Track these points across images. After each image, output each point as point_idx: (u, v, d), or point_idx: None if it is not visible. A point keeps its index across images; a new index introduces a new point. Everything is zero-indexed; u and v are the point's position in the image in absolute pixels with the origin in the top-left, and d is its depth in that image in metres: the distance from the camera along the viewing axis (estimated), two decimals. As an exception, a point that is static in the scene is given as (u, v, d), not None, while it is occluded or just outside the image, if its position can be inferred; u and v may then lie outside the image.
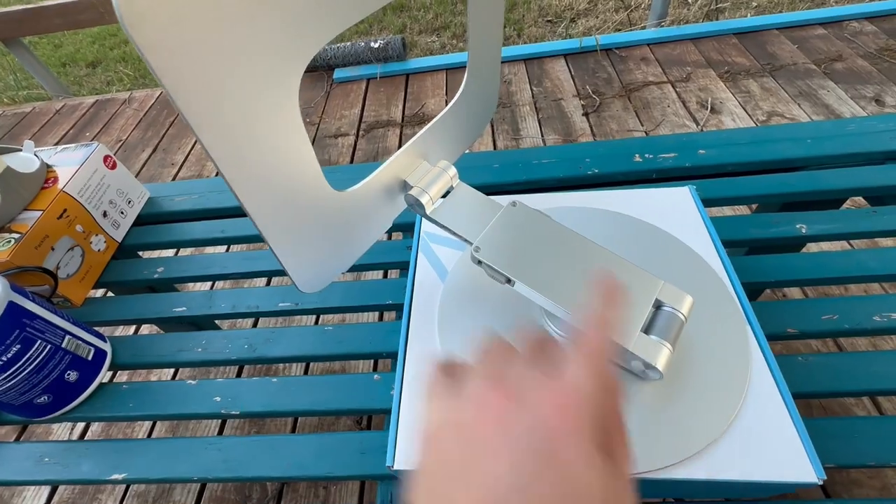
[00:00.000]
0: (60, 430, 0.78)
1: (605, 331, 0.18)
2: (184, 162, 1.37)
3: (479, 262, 0.30)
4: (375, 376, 0.40)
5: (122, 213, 0.57)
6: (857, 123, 0.55)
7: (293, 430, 0.75)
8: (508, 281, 0.30)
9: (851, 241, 0.80)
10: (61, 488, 0.74)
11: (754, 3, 1.81)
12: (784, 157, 0.54)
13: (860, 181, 0.50)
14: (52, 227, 0.48)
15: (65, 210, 0.49)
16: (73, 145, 0.56)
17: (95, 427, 0.80)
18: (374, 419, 0.76)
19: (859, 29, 1.39)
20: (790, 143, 0.55)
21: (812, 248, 0.81)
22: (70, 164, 0.53)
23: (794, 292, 0.78)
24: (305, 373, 0.80)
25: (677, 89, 1.30)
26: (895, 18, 1.40)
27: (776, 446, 0.27)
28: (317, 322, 0.77)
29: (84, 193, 0.52)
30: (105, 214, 0.54)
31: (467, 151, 0.48)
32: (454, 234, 0.31)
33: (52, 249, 0.48)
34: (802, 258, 0.45)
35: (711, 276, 0.36)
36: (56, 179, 0.51)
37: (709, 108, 1.22)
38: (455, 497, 0.14)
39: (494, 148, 1.22)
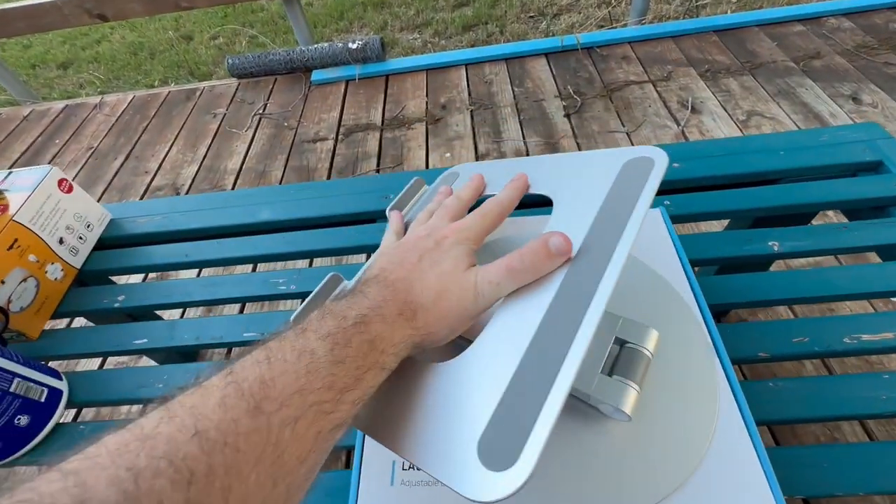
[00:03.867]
0: (24, 475, 0.76)
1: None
2: (158, 170, 1.33)
3: None
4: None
5: (80, 238, 0.54)
6: (829, 133, 0.55)
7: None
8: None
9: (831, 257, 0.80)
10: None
11: (734, 0, 1.81)
12: (758, 169, 0.53)
13: (833, 195, 0.50)
14: (2, 258, 0.46)
15: (15, 240, 0.47)
16: (25, 169, 0.54)
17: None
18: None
19: (837, 25, 1.40)
20: (764, 155, 0.54)
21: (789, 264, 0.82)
22: (21, 189, 0.50)
23: (767, 310, 0.78)
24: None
25: (658, 89, 1.30)
26: (872, 15, 1.41)
27: (743, 492, 0.27)
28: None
29: (37, 221, 0.49)
30: (61, 241, 0.52)
31: (446, 165, 0.47)
32: None
33: (2, 283, 0.46)
34: (771, 277, 0.45)
35: (679, 304, 0.35)
36: (6, 207, 0.49)
37: (689, 108, 1.22)
38: (393, 269, 0.26)
39: (476, 151, 1.21)
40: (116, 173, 1.34)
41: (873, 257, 0.49)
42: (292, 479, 0.17)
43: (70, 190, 0.54)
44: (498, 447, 0.20)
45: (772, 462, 0.27)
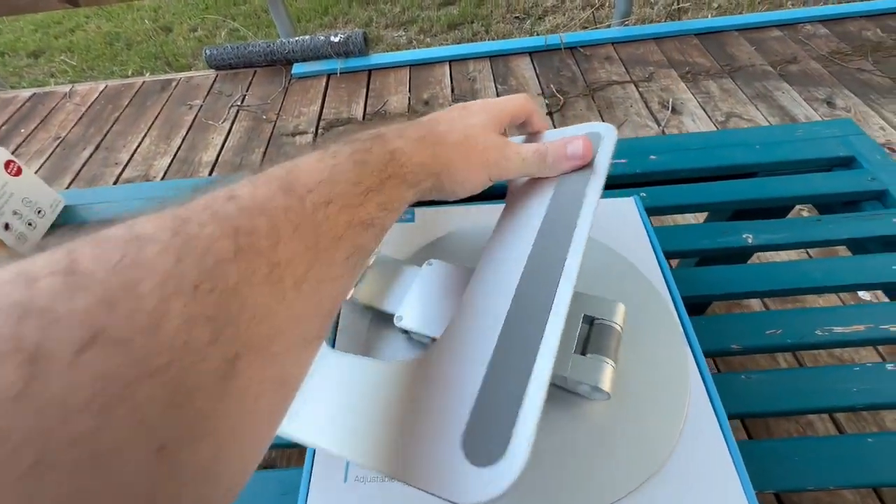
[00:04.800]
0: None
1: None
2: (129, 161, 1.28)
3: (406, 332, 0.29)
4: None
5: (29, 224, 0.51)
6: (805, 129, 0.55)
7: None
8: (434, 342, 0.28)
9: (800, 251, 0.81)
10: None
11: (715, 4, 1.84)
12: (734, 163, 0.53)
13: (808, 189, 0.50)
14: (-64, 243, 0.42)
15: (-47, 223, 0.44)
16: (-31, 149, 0.50)
17: None
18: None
19: (813, 32, 1.43)
20: (741, 149, 0.54)
21: (773, 256, 0.83)
22: (-37, 170, 0.47)
23: (742, 305, 0.79)
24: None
25: (640, 89, 1.31)
26: (846, 22, 1.44)
27: (714, 484, 0.25)
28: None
29: (-22, 204, 0.46)
30: (7, 227, 0.49)
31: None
32: (376, 309, 0.30)
33: (-64, 269, 0.42)
34: (748, 269, 0.44)
35: (651, 293, 0.34)
36: (-56, 188, 0.45)
37: (670, 109, 1.23)
38: (442, 126, 0.25)
39: (458, 147, 1.20)
40: (85, 164, 1.29)
41: (844, 251, 0.49)
42: (331, 255, 0.17)
43: (18, 173, 0.51)
44: (484, 441, 0.18)
45: (743, 456, 0.26)
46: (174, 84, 1.56)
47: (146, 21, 2.42)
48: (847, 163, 0.52)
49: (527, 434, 0.17)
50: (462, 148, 0.24)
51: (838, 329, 0.38)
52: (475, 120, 0.26)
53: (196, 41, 2.23)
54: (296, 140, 1.28)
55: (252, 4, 2.46)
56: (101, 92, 1.56)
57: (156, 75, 1.69)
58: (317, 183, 0.17)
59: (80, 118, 1.45)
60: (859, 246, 0.47)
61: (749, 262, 0.66)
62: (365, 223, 0.19)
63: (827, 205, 0.52)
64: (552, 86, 1.35)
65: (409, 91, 1.40)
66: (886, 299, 0.43)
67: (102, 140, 1.36)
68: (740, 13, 1.67)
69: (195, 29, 2.33)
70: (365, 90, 1.42)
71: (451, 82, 1.42)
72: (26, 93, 1.60)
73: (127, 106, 1.49)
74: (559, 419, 0.27)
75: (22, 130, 1.43)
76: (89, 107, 1.50)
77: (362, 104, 1.38)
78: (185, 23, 2.38)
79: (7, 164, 0.50)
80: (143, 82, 1.59)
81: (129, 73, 1.98)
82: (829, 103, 1.19)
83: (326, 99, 1.41)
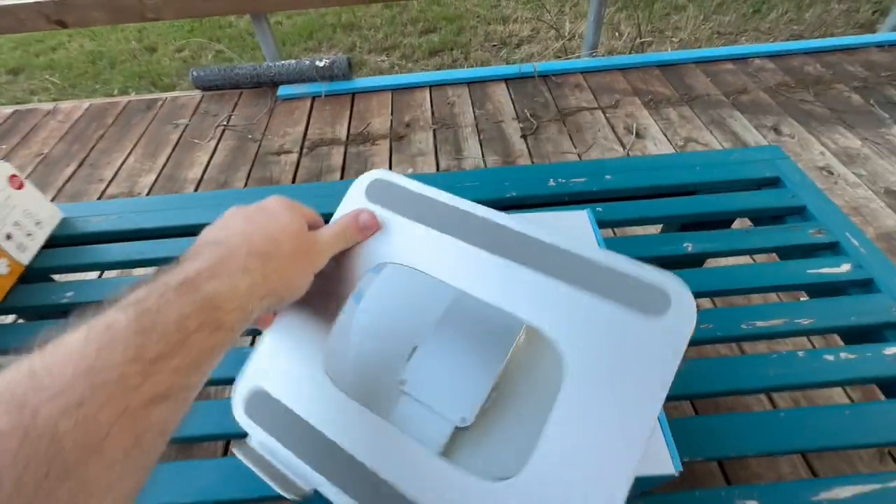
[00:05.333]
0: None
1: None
2: (113, 178, 1.30)
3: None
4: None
5: (28, 234, 0.54)
6: (738, 153, 0.63)
7: (224, 454, 0.72)
8: None
9: (749, 257, 0.89)
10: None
11: (676, 39, 1.99)
12: (678, 182, 0.60)
13: (740, 205, 0.57)
14: (-56, 251, 0.45)
15: (-40, 233, 0.47)
16: (-26, 164, 0.53)
17: None
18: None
19: (762, 66, 1.56)
20: (684, 170, 0.61)
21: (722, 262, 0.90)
22: (-31, 183, 0.50)
23: (701, 302, 0.85)
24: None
25: (607, 115, 1.40)
26: (791, 58, 1.59)
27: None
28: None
29: (-16, 215, 0.49)
30: (9, 237, 0.51)
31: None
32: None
33: (-57, 275, 0.45)
34: (696, 273, 0.51)
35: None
36: (-49, 200, 0.48)
37: (634, 133, 1.33)
38: (222, 230, 0.25)
39: (437, 167, 1.26)
40: (68, 180, 1.30)
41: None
42: (83, 472, 0.15)
43: (21, 187, 0.54)
44: (649, 299, 0.24)
45: (687, 430, 0.31)
46: (160, 103, 1.59)
47: (131, 41, 2.45)
48: (773, 183, 0.59)
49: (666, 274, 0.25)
50: (292, 257, 0.25)
51: (760, 323, 0.44)
52: (294, 226, 0.26)
53: (181, 62, 2.27)
54: (280, 159, 1.33)
55: (237, 28, 2.53)
56: (86, 110, 1.58)
57: (142, 94, 1.72)
58: (69, 381, 0.15)
59: (64, 135, 1.47)
60: (785, 253, 0.54)
61: (705, 266, 0.73)
62: (153, 401, 0.17)
63: (758, 218, 0.60)
64: (526, 111, 1.44)
65: (392, 114, 1.47)
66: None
67: (86, 157, 1.38)
68: (698, 47, 1.81)
69: (180, 50, 2.37)
70: (349, 112, 1.48)
71: (432, 106, 1.49)
72: (7, 109, 1.60)
73: (112, 124, 1.51)
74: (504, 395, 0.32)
75: (3, 147, 1.44)
76: (73, 124, 1.51)
77: (346, 125, 1.43)
78: (171, 44, 2.42)
79: (11, 177, 0.53)
80: (129, 101, 1.61)
81: (115, 91, 2.00)
82: (776, 130, 1.31)
83: (311, 120, 1.46)
